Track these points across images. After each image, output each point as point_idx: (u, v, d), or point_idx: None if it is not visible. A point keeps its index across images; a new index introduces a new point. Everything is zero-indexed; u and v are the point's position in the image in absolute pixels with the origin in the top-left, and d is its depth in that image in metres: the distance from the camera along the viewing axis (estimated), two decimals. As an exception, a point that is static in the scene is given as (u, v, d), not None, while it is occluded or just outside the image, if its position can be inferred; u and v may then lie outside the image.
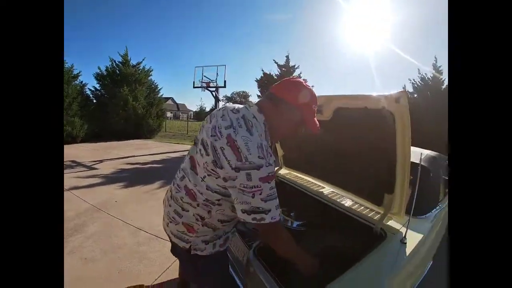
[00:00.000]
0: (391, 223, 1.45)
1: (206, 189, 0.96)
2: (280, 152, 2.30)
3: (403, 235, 1.29)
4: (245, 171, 0.84)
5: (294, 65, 10.31)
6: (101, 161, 6.21)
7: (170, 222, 1.12)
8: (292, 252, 1.06)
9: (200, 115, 55.19)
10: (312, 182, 2.04)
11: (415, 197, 1.22)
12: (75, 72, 11.84)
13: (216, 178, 0.91)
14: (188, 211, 1.05)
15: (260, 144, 0.88)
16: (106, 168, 6.18)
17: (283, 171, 2.33)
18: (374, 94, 1.21)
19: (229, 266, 1.33)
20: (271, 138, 1.00)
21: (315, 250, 1.35)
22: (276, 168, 2.29)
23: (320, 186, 1.96)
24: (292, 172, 2.29)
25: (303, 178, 2.14)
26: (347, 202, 1.70)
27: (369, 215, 1.54)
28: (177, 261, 1.61)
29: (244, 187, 0.85)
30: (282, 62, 10.39)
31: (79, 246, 2.74)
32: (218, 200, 0.98)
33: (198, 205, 1.01)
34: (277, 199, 0.91)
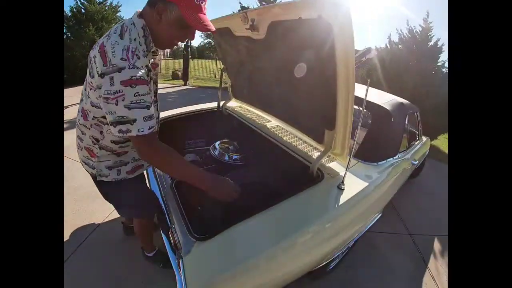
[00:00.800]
0: (334, 165, 1.30)
1: (91, 105, 0.92)
2: (228, 82, 2.06)
3: (341, 180, 1.16)
4: (108, 76, 0.78)
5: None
6: (67, 107, 5.77)
7: (78, 148, 1.13)
8: (188, 176, 0.98)
9: (176, 53, 51.46)
10: (260, 115, 1.86)
11: (355, 137, 1.04)
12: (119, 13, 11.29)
13: (94, 90, 0.87)
14: (85, 134, 1.03)
15: (127, 46, 0.81)
16: (73, 114, 5.77)
17: (233, 103, 2.12)
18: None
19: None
20: (155, 44, 0.94)
21: (241, 183, 1.21)
22: (226, 100, 2.09)
23: (266, 119, 1.78)
24: (243, 105, 2.09)
25: (251, 112, 1.95)
26: (291, 138, 1.55)
27: (310, 153, 1.39)
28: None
29: (107, 93, 0.79)
30: None
31: None
32: (103, 117, 0.92)
33: (91, 126, 0.99)
34: (147, 109, 0.84)
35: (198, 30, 0.88)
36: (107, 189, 1.19)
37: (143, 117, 0.83)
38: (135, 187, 1.20)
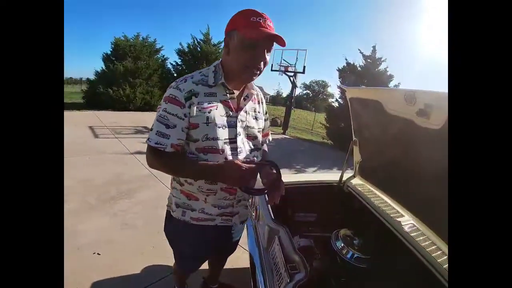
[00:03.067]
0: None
1: None
2: (357, 156, 1.80)
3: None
4: None
5: (381, 58, 8.92)
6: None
7: None
8: (192, 177, 1.00)
9: (276, 99, 55.49)
10: (389, 205, 1.53)
11: None
12: (158, 46, 13.43)
13: None
14: None
15: (187, 75, 0.96)
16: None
17: (356, 181, 1.84)
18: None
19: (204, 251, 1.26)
20: (230, 76, 0.97)
21: None
22: (349, 176, 1.84)
23: (397, 212, 1.44)
24: (367, 185, 1.78)
25: (378, 196, 1.64)
26: (433, 248, 1.18)
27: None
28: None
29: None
30: (368, 53, 9.11)
31: (124, 211, 2.82)
32: None
33: None
34: (166, 127, 0.91)
35: (254, 38, 0.86)
36: (167, 221, 1.21)
37: (157, 131, 0.92)
38: (192, 237, 1.16)
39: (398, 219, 1.34)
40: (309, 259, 1.37)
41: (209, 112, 0.93)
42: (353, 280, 1.23)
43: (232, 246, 1.35)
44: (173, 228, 1.17)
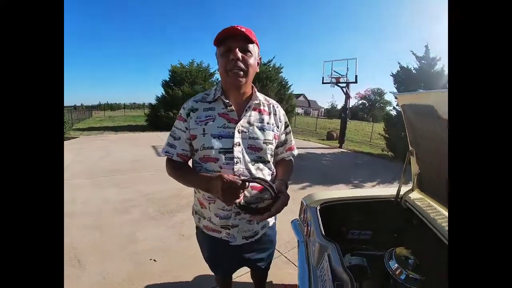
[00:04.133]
0: None
1: None
2: (415, 168, 1.65)
3: None
4: None
5: (435, 57, 8.07)
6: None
7: None
8: (190, 184, 1.11)
9: (331, 112, 53.95)
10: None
11: None
12: (211, 70, 14.74)
13: None
14: None
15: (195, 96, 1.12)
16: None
17: (415, 195, 1.67)
18: None
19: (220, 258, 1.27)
20: (226, 88, 1.07)
21: None
22: (407, 190, 1.69)
23: None
24: (426, 199, 1.61)
25: (439, 212, 1.45)
26: None
27: None
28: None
29: None
30: (421, 53, 8.34)
31: (181, 223, 2.99)
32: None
33: None
34: (173, 138, 1.09)
35: (219, 37, 0.97)
36: (196, 228, 1.30)
37: (168, 142, 1.11)
38: (208, 246, 1.23)
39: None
40: (359, 279, 1.27)
41: (205, 124, 1.03)
42: None
43: (256, 262, 1.30)
44: (197, 234, 1.29)
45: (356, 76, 9.71)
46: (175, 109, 12.50)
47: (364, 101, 56.80)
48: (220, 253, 1.21)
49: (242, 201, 0.96)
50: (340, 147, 9.98)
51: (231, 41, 0.96)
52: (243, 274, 2.02)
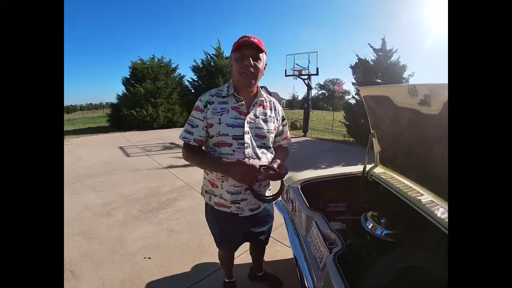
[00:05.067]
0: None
1: None
2: (376, 147, 1.98)
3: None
4: None
5: (392, 49, 8.81)
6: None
7: None
8: (207, 167, 1.32)
9: (293, 103, 55.32)
10: (409, 187, 1.68)
11: None
12: (173, 65, 14.32)
13: None
14: None
15: (208, 91, 1.32)
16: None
17: (379, 170, 2.00)
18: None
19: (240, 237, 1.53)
20: (237, 87, 1.29)
21: (395, 267, 1.19)
22: (371, 166, 2.02)
23: (417, 192, 1.60)
24: (388, 172, 1.95)
25: (399, 180, 1.79)
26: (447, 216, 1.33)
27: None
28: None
29: None
30: (378, 46, 9.03)
31: (167, 219, 3.07)
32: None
33: None
34: (191, 126, 1.28)
35: (235, 47, 1.20)
36: (205, 207, 1.49)
37: (185, 129, 1.29)
38: (218, 221, 1.44)
39: (418, 198, 1.50)
40: (344, 239, 1.56)
41: (221, 115, 1.25)
42: (384, 253, 1.36)
43: (258, 235, 1.54)
44: (206, 212, 1.49)
45: (317, 68, 10.22)
46: (138, 107, 12.08)
47: (324, 91, 59.02)
48: (229, 225, 1.43)
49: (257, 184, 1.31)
50: (305, 135, 10.43)
51: (246, 49, 1.19)
52: (242, 254, 2.22)
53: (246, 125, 1.26)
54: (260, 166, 1.19)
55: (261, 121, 1.31)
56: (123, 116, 12.21)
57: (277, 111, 1.42)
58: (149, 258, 2.32)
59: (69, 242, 2.57)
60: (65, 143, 8.34)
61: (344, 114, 9.93)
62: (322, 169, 5.20)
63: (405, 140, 1.62)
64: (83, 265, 2.23)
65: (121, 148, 7.49)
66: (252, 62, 1.19)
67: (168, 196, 3.73)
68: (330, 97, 57.37)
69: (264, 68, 1.29)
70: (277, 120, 1.40)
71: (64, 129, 14.24)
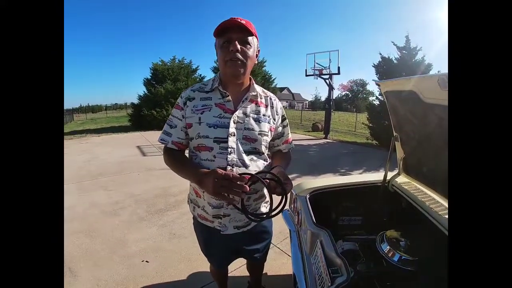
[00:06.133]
0: None
1: None
2: (400, 153, 1.68)
3: None
4: None
5: (416, 47, 8.32)
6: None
7: None
8: (185, 176, 1.07)
9: (315, 104, 54.47)
10: (437, 201, 1.39)
11: None
12: (194, 66, 14.63)
13: None
14: None
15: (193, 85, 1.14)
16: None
17: (402, 179, 1.71)
18: None
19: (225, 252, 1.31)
20: (224, 79, 1.07)
21: None
22: (393, 174, 1.73)
23: (447, 209, 1.29)
24: (413, 183, 1.65)
25: (426, 194, 1.50)
26: None
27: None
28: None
29: None
30: (402, 44, 8.54)
31: (172, 222, 2.98)
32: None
33: None
34: (170, 127, 1.11)
35: (219, 29, 0.96)
36: (193, 217, 1.29)
37: (164, 130, 1.13)
38: (202, 236, 1.26)
39: (447, 216, 1.21)
40: (353, 263, 1.30)
41: (201, 113, 1.04)
42: (400, 283, 1.14)
43: (252, 253, 1.30)
44: (193, 223, 1.30)
45: (338, 67, 9.85)
46: (158, 108, 12.27)
47: (348, 92, 57.65)
48: (213, 242, 1.22)
49: (245, 196, 0.93)
50: (326, 137, 10.11)
51: (231, 32, 0.96)
52: (239, 267, 2.04)
53: (232, 125, 1.03)
54: (246, 175, 0.92)
55: (251, 121, 1.06)
56: (143, 116, 12.48)
57: (274, 109, 1.16)
58: (146, 261, 2.26)
59: (72, 239, 2.58)
60: (84, 142, 8.61)
61: (368, 116, 9.52)
62: (338, 175, 5.03)
63: (434, 144, 1.34)
64: (82, 263, 2.23)
65: (138, 147, 7.57)
66: (239, 46, 0.95)
67: (177, 197, 3.63)
68: (353, 98, 55.86)
69: (257, 55, 1.07)
70: (274, 119, 1.15)
71: (86, 128, 14.85)
